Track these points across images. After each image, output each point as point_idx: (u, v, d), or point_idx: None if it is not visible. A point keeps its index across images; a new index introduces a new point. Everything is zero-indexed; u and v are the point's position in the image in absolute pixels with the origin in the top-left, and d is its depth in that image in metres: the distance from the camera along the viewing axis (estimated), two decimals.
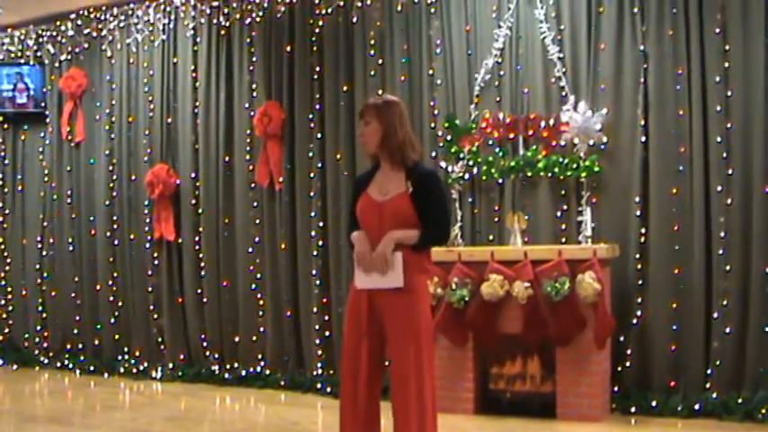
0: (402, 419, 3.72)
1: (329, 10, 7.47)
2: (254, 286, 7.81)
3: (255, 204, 7.83)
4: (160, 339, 8.38)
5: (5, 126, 9.56)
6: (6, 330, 9.55)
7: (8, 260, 9.54)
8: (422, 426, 3.71)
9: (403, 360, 3.73)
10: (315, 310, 7.41)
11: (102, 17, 8.86)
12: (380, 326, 3.82)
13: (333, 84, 7.44)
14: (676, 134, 6.11)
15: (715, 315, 5.95)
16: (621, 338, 6.20)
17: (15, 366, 9.17)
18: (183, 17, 8.32)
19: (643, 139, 6.20)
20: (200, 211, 8.16)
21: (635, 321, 6.19)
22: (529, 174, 6.50)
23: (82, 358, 8.87)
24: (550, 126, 6.46)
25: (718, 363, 5.92)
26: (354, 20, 7.36)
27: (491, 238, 6.68)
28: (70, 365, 8.84)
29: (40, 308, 9.26)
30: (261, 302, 7.78)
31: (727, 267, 5.92)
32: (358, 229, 3.91)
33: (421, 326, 3.77)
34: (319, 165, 7.48)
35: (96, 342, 8.85)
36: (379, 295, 3.79)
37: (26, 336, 9.38)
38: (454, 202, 6.74)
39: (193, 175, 8.20)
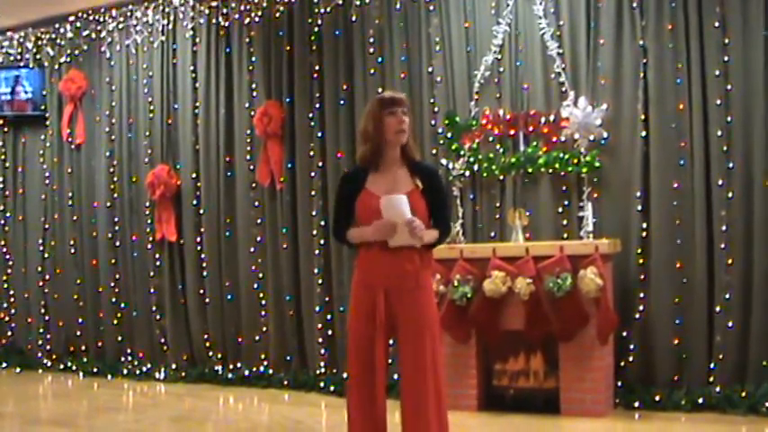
0: (422, 412, 3.71)
1: (328, 9, 7.47)
2: (256, 286, 7.81)
3: (257, 204, 7.83)
4: (163, 340, 8.38)
5: (5, 129, 9.57)
6: (9, 333, 9.56)
7: (10, 263, 9.54)
8: (440, 418, 3.74)
9: (420, 353, 3.75)
10: (317, 309, 7.41)
11: (101, 19, 8.86)
12: (393, 321, 3.82)
13: (332, 82, 7.44)
14: (677, 128, 6.11)
15: (717, 309, 5.95)
16: (624, 333, 6.20)
17: (18, 369, 9.17)
18: (181, 18, 8.32)
19: (643, 133, 6.20)
20: (201, 211, 8.16)
21: (637, 316, 6.19)
22: (529, 170, 6.50)
23: (85, 360, 8.87)
24: (551, 122, 6.46)
25: (721, 356, 5.92)
26: (353, 18, 7.36)
27: (492, 234, 6.67)
28: (73, 368, 8.84)
29: (42, 310, 9.26)
30: (263, 302, 7.78)
31: (729, 261, 5.92)
32: (351, 226, 3.92)
33: (434, 320, 3.85)
34: (320, 164, 7.48)
35: (99, 344, 8.86)
36: (394, 291, 3.80)
37: (29, 338, 9.38)
38: (455, 200, 6.74)
39: (194, 175, 8.20)
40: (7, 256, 9.56)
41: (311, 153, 7.53)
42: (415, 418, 3.74)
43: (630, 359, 6.19)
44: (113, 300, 8.71)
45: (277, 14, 7.74)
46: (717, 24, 5.99)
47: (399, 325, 3.81)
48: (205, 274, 8.12)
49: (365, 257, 3.90)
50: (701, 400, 5.86)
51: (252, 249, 7.83)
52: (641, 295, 6.19)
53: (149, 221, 8.44)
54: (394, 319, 3.82)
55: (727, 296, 5.92)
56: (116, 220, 8.72)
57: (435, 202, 3.88)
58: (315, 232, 7.45)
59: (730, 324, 5.90)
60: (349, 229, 3.96)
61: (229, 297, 7.99)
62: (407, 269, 3.79)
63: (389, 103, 3.86)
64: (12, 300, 9.53)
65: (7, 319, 9.55)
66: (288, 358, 7.64)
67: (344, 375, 6.82)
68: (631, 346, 6.19)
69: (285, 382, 7.49)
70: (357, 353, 3.86)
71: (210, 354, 8.07)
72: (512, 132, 6.61)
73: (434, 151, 6.91)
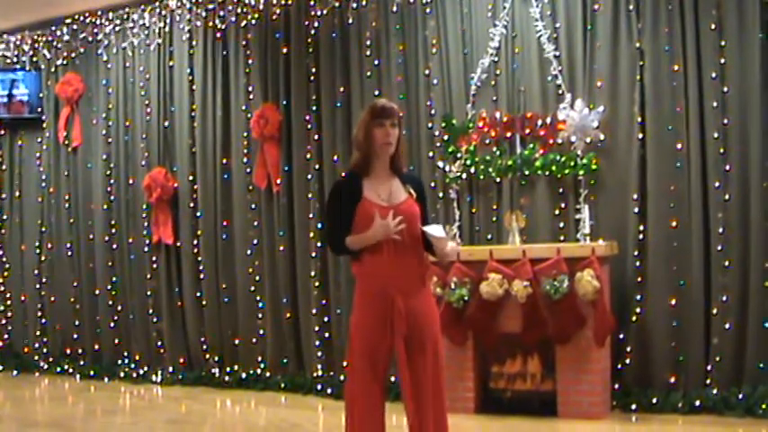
0: (435, 416, 3.74)
1: (325, 11, 7.47)
2: (253, 288, 7.80)
3: (253, 207, 7.83)
4: (160, 343, 8.37)
5: (2, 132, 9.56)
6: (6, 336, 9.55)
7: (7, 266, 9.54)
8: (438, 420, 3.76)
9: (433, 359, 3.78)
10: (314, 311, 7.41)
11: (98, 21, 8.86)
12: (408, 328, 3.74)
13: (329, 85, 7.44)
14: (673, 131, 6.11)
15: (714, 311, 5.95)
16: (621, 336, 6.19)
17: (15, 372, 9.17)
18: (178, 20, 8.32)
19: (640, 136, 6.20)
20: (198, 214, 8.16)
21: (634, 318, 6.18)
22: (526, 172, 6.50)
23: (82, 363, 8.86)
24: (547, 124, 6.46)
25: (717, 359, 5.92)
26: (350, 21, 7.36)
27: (489, 237, 6.67)
28: (70, 370, 8.84)
29: (39, 313, 9.25)
30: (260, 305, 7.77)
31: (726, 263, 5.92)
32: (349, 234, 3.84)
33: (437, 320, 3.93)
34: (317, 166, 7.48)
35: (96, 347, 8.85)
36: (407, 294, 3.74)
37: (26, 341, 9.37)
38: (452, 202, 6.75)
39: (191, 178, 8.20)
40: (4, 259, 9.56)
41: (308, 156, 7.53)
42: (426, 417, 3.73)
43: (627, 361, 6.19)
44: (110, 302, 8.71)
45: (273, 17, 7.74)
46: (713, 27, 6.00)
47: (414, 330, 3.76)
48: (202, 276, 8.11)
49: (372, 263, 3.79)
50: (697, 403, 5.86)
51: (248, 252, 7.83)
52: (638, 297, 6.18)
53: (146, 224, 8.44)
54: (411, 324, 3.77)
55: (724, 298, 5.92)
56: (113, 222, 8.72)
57: (423, 211, 3.93)
58: (311, 235, 7.45)
59: (727, 326, 5.89)
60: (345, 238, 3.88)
61: (226, 300, 7.98)
62: (416, 271, 3.82)
63: (378, 114, 3.83)
64: (8, 302, 9.52)
65: (4, 321, 9.55)
66: (285, 361, 7.63)
67: (341, 378, 6.82)
68: (628, 349, 6.18)
69: (282, 385, 7.48)
70: (370, 363, 3.75)
71: (207, 356, 8.06)
72: (508, 135, 6.61)
73: (431, 154, 6.90)
